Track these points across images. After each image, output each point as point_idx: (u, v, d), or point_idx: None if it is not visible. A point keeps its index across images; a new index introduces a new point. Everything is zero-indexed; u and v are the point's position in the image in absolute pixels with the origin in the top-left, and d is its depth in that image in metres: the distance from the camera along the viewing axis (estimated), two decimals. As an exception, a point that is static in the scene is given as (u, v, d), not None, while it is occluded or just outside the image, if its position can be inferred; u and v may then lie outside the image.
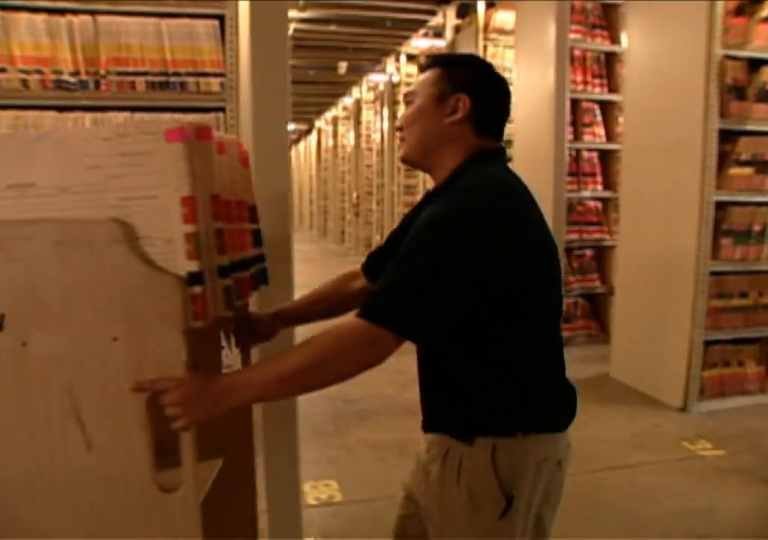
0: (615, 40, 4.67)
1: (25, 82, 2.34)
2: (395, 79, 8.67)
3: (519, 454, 1.05)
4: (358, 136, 11.15)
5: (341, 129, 12.54)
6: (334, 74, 9.94)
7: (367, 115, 10.77)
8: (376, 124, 9.83)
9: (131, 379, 0.95)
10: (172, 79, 2.45)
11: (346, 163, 11.98)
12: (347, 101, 11.91)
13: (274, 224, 1.70)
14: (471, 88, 1.12)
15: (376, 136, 9.84)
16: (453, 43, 6.26)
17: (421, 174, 7.23)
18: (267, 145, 1.99)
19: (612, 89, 4.67)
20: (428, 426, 1.16)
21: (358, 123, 11.06)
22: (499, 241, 1.00)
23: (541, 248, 1.09)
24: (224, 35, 2.43)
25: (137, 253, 0.93)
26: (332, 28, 7.43)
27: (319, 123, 15.38)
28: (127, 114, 2.41)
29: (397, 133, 1.23)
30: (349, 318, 0.98)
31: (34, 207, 0.98)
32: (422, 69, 1.19)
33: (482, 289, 0.99)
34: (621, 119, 4.42)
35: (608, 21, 4.70)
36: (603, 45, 4.67)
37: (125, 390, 0.95)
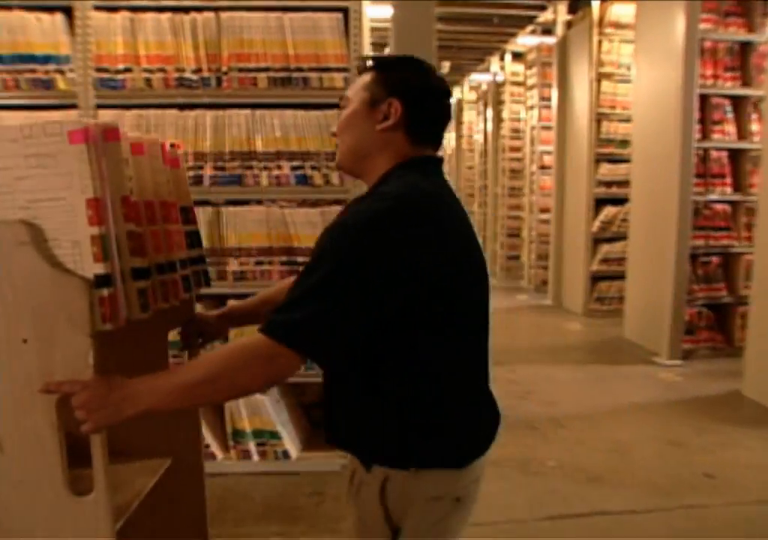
0: (752, 28, 4.31)
1: (148, 81, 2.39)
2: (499, 78, 8.54)
3: (410, 488, 1.00)
4: (459, 137, 10.99)
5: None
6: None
7: (468, 115, 10.60)
8: (479, 124, 9.65)
9: (41, 381, 0.94)
10: (295, 74, 2.44)
11: (446, 164, 11.87)
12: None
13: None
14: (404, 92, 1.06)
15: (479, 137, 9.65)
16: (564, 40, 6.11)
17: (528, 175, 7.01)
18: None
19: (746, 83, 4.31)
20: (331, 440, 1.10)
21: (459, 123, 10.87)
22: (399, 257, 0.94)
23: (453, 263, 1.01)
24: (347, 28, 2.40)
25: (45, 255, 0.93)
26: (438, 26, 7.16)
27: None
28: (248, 111, 2.44)
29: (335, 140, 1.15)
30: (254, 333, 0.94)
31: (-55, 208, 0.97)
32: (359, 71, 1.15)
33: (378, 308, 0.94)
34: (755, 116, 4.22)
35: (744, 8, 4.32)
36: (737, 34, 4.30)
37: (35, 392, 0.95)
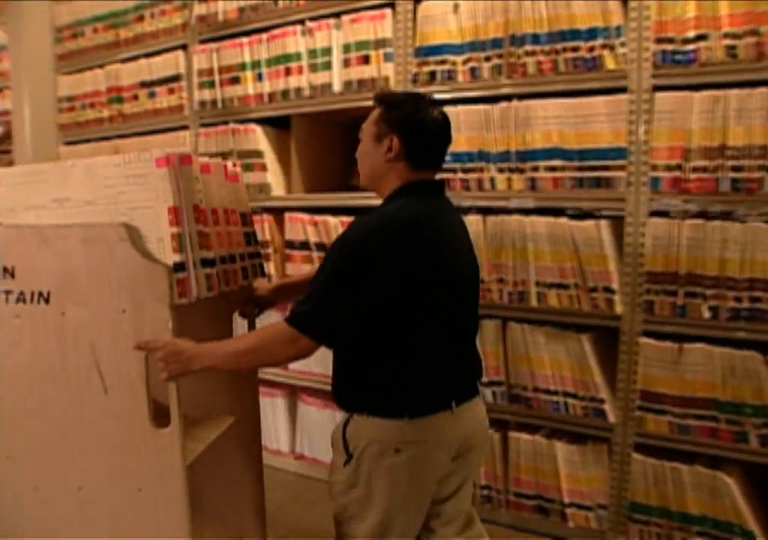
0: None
1: (732, 51, 1.80)
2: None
3: (361, 428, 1.32)
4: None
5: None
6: None
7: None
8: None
9: (134, 340, 1.31)
10: None
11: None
12: None
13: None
14: (403, 129, 1.32)
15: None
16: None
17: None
18: None
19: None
20: (332, 396, 1.44)
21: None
22: (381, 266, 1.23)
23: (424, 271, 1.26)
24: None
25: (138, 248, 1.29)
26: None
27: None
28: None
29: None
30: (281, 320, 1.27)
31: (69, 215, 1.36)
32: (372, 107, 1.43)
33: (365, 304, 1.24)
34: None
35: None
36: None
37: (130, 348, 1.31)
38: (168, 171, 1.25)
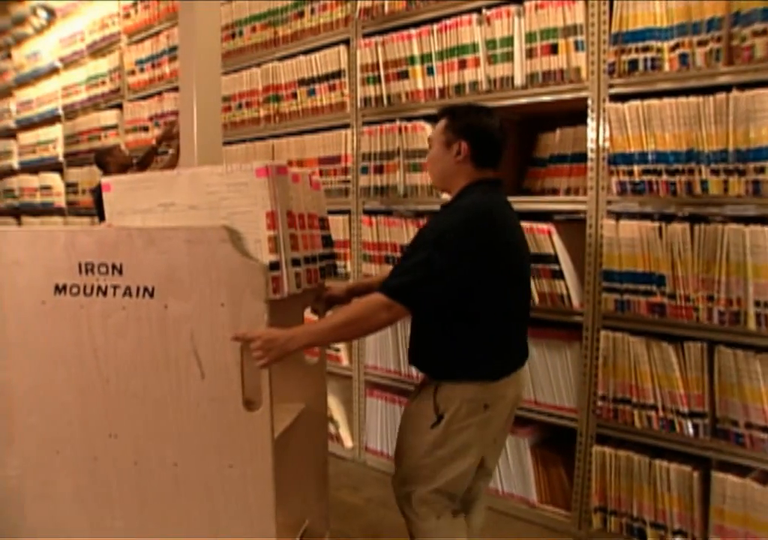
0: None
1: None
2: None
3: (452, 392, 1.59)
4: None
5: None
6: None
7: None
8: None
9: (231, 331, 1.48)
10: None
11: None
12: None
13: None
14: (469, 135, 1.61)
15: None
16: None
17: None
18: None
19: None
20: (411, 363, 1.76)
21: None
22: (464, 248, 1.50)
23: (495, 258, 1.53)
24: None
25: (238, 248, 1.46)
26: None
27: None
28: None
29: None
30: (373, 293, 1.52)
31: (174, 218, 1.54)
32: (436, 119, 1.71)
33: (452, 279, 1.50)
34: None
35: None
36: None
37: (227, 339, 1.48)
38: (267, 180, 1.42)
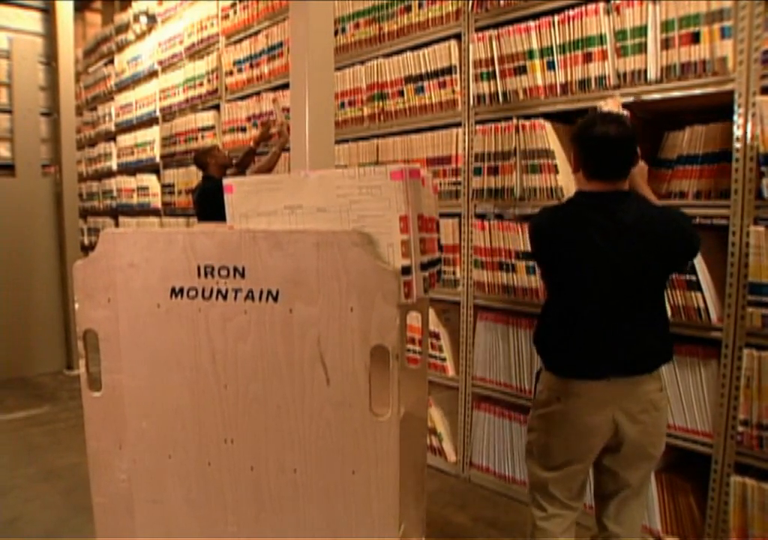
0: None
1: None
2: None
3: (543, 378, 1.83)
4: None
5: None
6: None
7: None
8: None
9: (360, 337, 1.50)
10: None
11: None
12: None
13: None
14: (576, 143, 1.70)
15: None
16: None
17: None
18: None
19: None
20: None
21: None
22: (539, 241, 1.79)
23: (565, 249, 1.71)
24: None
25: (369, 252, 1.48)
26: None
27: None
28: None
29: None
30: None
31: (301, 220, 1.58)
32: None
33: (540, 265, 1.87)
34: None
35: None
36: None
37: (356, 344, 1.50)
38: (402, 183, 1.44)
